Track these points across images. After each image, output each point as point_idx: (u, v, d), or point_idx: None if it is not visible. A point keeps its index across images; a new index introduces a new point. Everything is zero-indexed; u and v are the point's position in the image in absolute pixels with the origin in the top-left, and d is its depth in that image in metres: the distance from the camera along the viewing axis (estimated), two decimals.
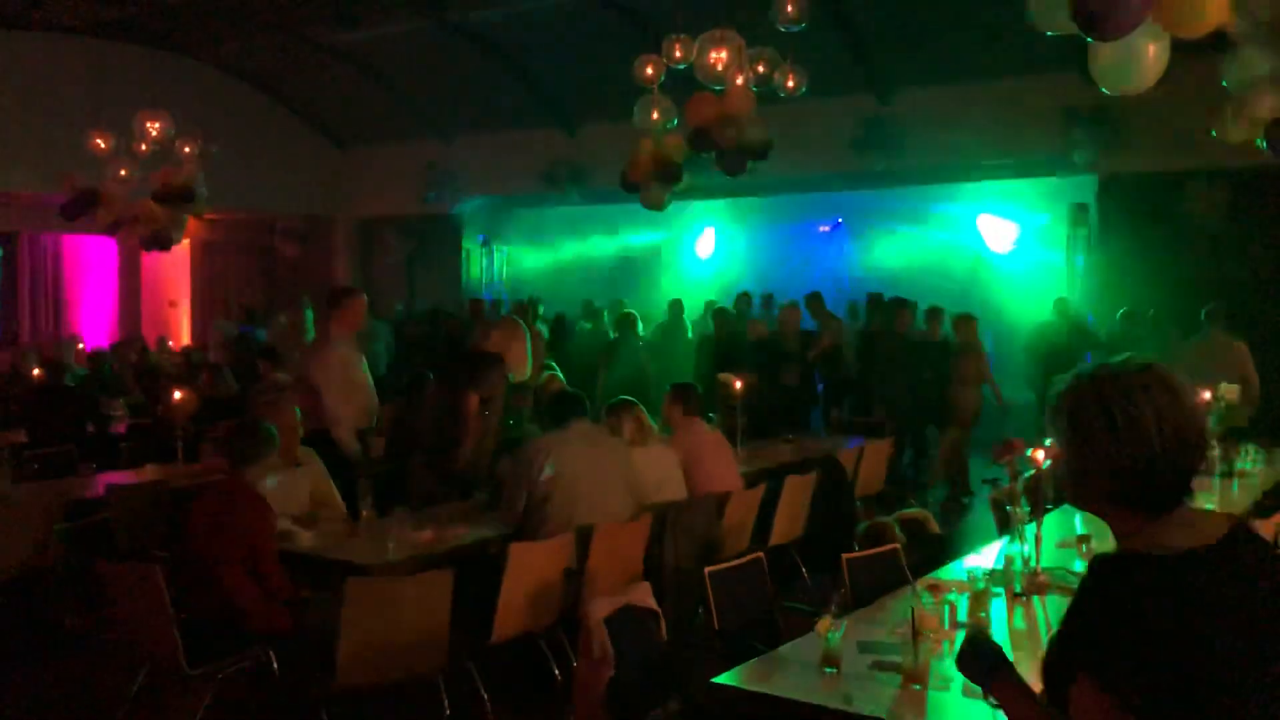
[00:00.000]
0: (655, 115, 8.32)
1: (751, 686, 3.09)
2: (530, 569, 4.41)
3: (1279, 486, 6.14)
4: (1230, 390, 6.76)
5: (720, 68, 7.89)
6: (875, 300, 10.85)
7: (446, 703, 4.15)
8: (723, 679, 3.14)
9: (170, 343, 14.82)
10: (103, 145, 10.75)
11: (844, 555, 4.12)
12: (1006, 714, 1.97)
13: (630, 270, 15.68)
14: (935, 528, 5.04)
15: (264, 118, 15.74)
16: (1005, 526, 4.56)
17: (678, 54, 8.02)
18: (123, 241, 13.54)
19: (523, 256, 16.73)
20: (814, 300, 10.61)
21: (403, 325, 13.45)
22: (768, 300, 12.50)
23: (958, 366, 8.97)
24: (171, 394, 6.93)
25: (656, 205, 8.82)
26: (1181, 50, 4.13)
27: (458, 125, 15.27)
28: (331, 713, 4.02)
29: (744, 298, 11.88)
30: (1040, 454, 4.35)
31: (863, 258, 14.24)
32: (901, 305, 9.57)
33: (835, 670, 3.12)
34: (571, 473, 4.78)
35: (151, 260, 15.78)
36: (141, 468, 6.53)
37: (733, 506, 5.47)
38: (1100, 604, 1.73)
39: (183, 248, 15.33)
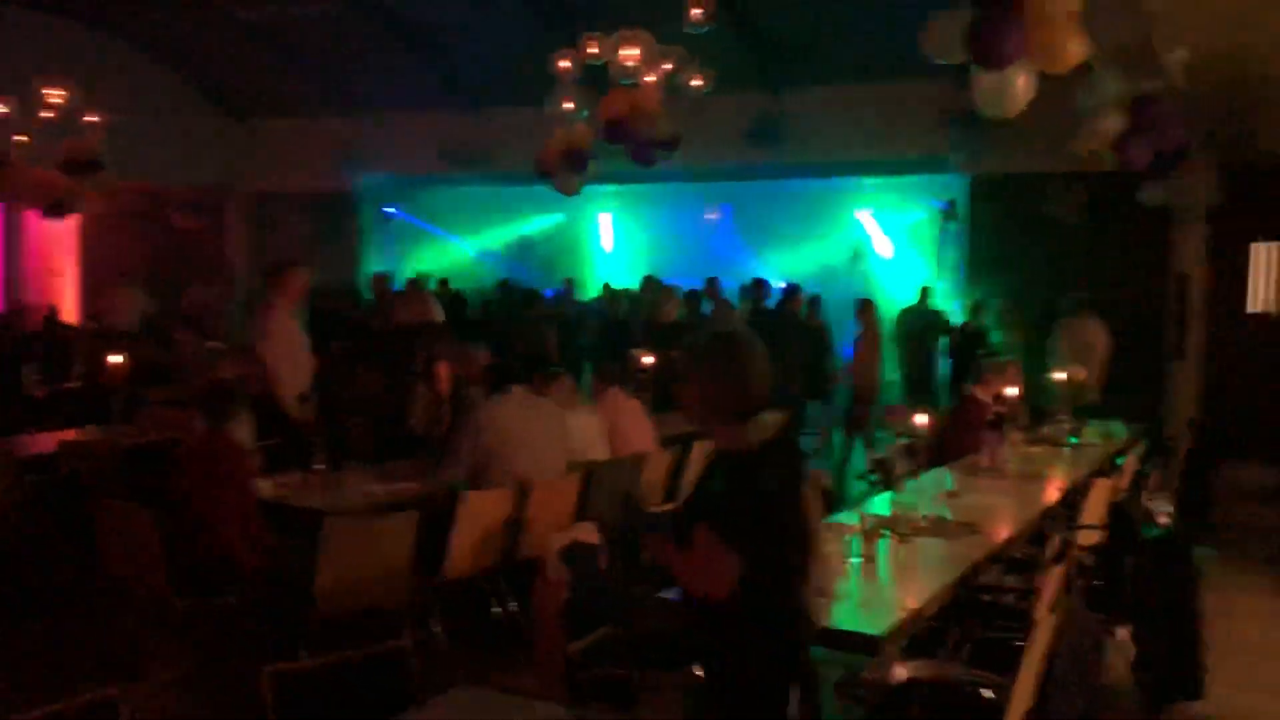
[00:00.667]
0: (568, 106, 8.87)
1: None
2: (478, 516, 4.97)
3: (1114, 456, 7.06)
4: (1078, 371, 7.69)
5: (632, 65, 8.49)
6: (759, 285, 11.60)
7: (407, 634, 4.68)
8: (664, 594, 3.76)
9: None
10: (3, 109, 10.72)
11: None
12: (656, 556, 2.97)
13: (530, 251, 16.20)
14: (828, 483, 5.77)
15: (161, 88, 15.66)
16: (889, 482, 5.32)
17: (593, 50, 8.58)
18: (13, 209, 13.41)
19: (423, 235, 17.05)
20: (711, 285, 11.33)
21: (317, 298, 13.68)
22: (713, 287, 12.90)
23: (860, 346, 9.82)
24: (107, 359, 7.21)
25: (570, 191, 9.38)
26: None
27: (363, 103, 15.48)
28: (309, 646, 4.50)
29: (649, 281, 12.49)
30: (920, 419, 5.10)
31: (754, 245, 15.05)
32: (794, 291, 10.36)
33: None
34: (512, 433, 5.34)
35: (36, 228, 15.56)
36: (83, 428, 6.80)
37: (650, 466, 6.11)
38: (713, 479, 2.87)
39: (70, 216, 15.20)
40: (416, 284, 12.43)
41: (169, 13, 13.49)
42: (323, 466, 5.38)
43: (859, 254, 14.57)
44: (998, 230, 12.31)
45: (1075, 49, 4.13)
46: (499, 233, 16.60)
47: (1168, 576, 4.60)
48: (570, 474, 5.58)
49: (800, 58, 12.50)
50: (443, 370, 6.01)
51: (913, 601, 3.89)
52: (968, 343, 10.37)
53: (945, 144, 12.11)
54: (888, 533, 4.62)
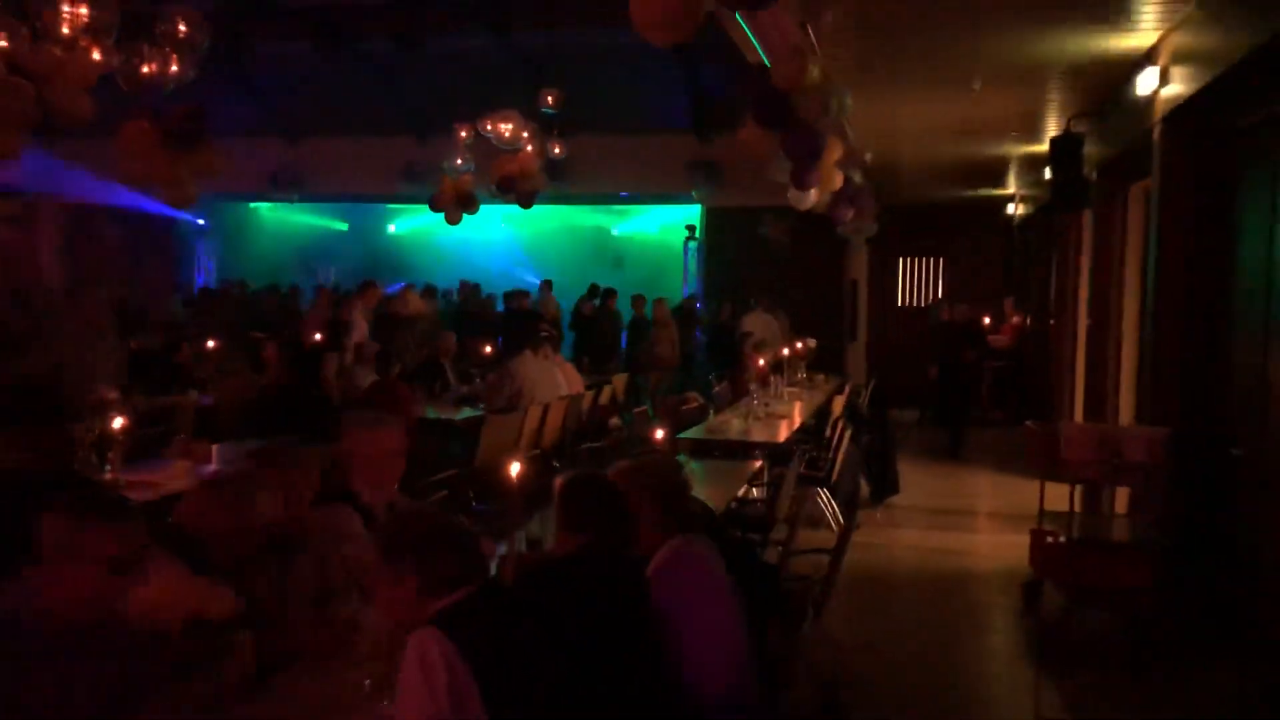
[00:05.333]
0: (459, 162, 12.46)
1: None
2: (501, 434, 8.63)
3: (833, 390, 11.66)
4: (810, 341, 12.31)
5: (509, 135, 12.19)
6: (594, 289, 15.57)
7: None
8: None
9: None
10: None
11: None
12: None
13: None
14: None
15: None
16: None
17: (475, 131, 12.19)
18: None
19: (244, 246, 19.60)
20: (545, 286, 15.25)
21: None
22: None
23: (657, 333, 14.00)
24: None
25: (454, 221, 12.93)
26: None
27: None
28: None
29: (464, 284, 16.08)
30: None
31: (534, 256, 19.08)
32: (611, 292, 14.47)
33: None
34: (531, 378, 9.05)
35: None
36: None
37: (585, 402, 9.98)
38: None
39: None
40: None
41: None
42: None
43: (619, 261, 18.97)
44: (726, 248, 16.97)
45: (828, 183, 8.38)
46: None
47: (879, 431, 9.21)
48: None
49: (588, 113, 16.56)
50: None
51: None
52: (718, 330, 14.79)
53: (688, 184, 16.63)
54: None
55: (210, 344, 9.77)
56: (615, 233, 19.88)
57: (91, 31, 5.73)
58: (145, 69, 6.11)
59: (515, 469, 3.36)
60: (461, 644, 2.13)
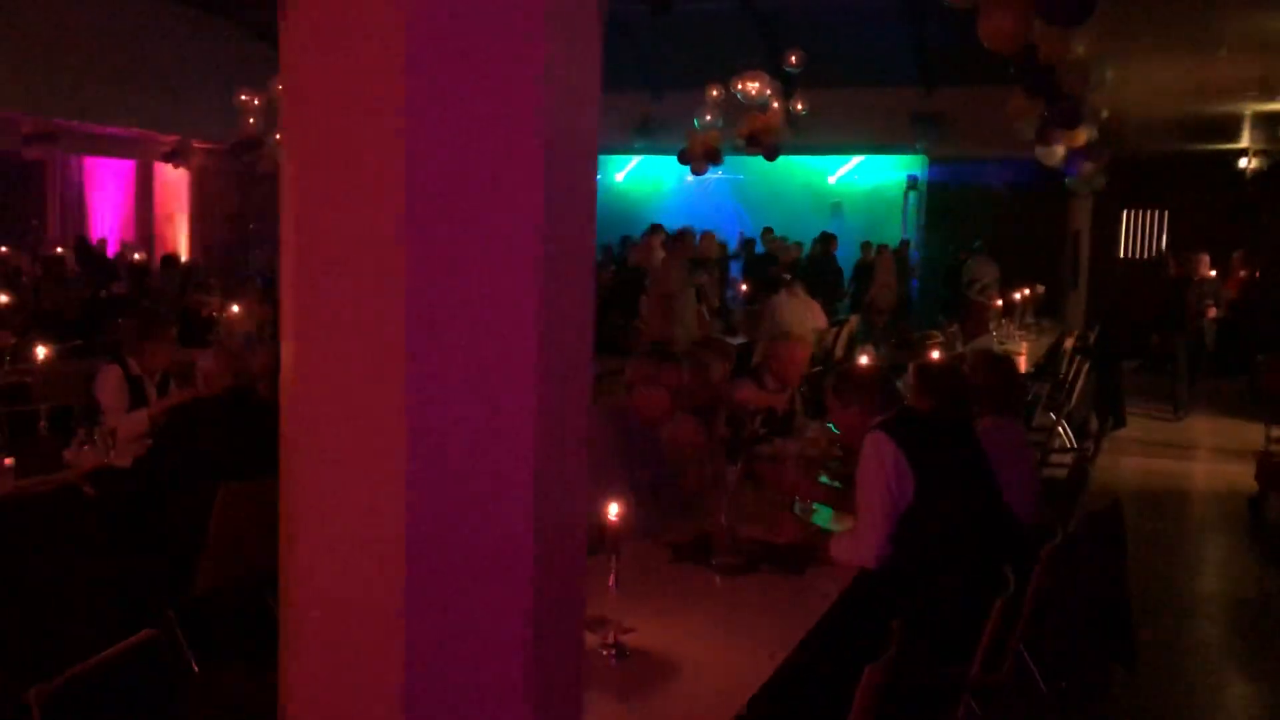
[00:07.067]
0: (709, 118, 13.70)
1: None
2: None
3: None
4: (1039, 287, 13.08)
5: (756, 93, 13.34)
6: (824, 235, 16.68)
7: None
8: None
9: None
10: None
11: None
12: None
13: None
14: None
15: None
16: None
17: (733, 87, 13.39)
18: None
19: None
20: (766, 233, 16.44)
21: None
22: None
23: (881, 277, 15.02)
24: None
25: (699, 172, 14.23)
26: None
27: None
28: None
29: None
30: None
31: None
32: (832, 237, 15.56)
33: None
34: (792, 312, 10.28)
35: None
36: None
37: (829, 338, 11.16)
38: None
39: None
40: None
41: None
42: None
43: (838, 208, 19.91)
44: (948, 198, 17.69)
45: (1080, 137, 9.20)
46: None
47: (1106, 370, 10.09)
48: None
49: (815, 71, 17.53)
50: None
51: None
52: (948, 274, 15.62)
53: (913, 135, 17.39)
54: None
55: None
56: (831, 181, 20.70)
57: None
58: None
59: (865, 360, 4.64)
60: (899, 440, 3.41)
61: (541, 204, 1.28)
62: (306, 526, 1.39)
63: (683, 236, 11.04)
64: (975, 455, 3.63)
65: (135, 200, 20.47)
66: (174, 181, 20.21)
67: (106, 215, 20.36)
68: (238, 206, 20.82)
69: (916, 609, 3.09)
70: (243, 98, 14.49)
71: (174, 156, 18.42)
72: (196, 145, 18.26)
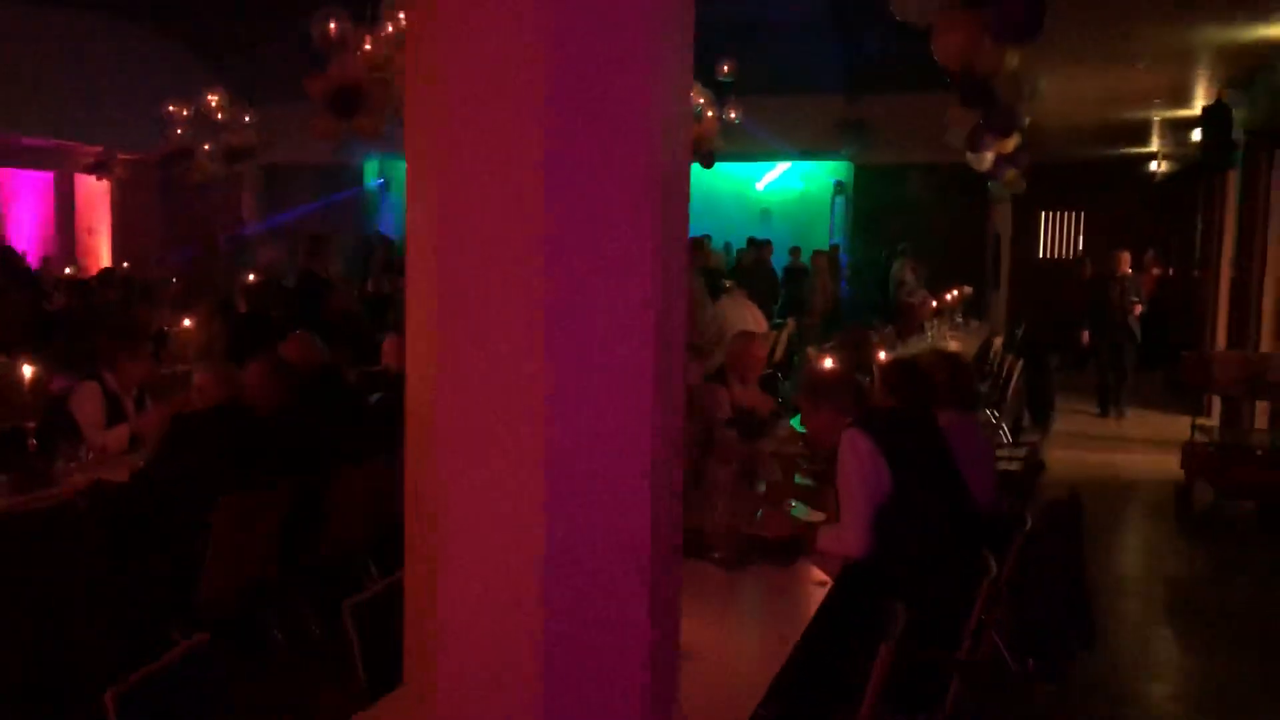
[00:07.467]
0: None
1: None
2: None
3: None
4: (966, 289, 13.52)
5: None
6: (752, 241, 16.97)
7: None
8: None
9: None
10: None
11: None
12: None
13: None
14: None
15: None
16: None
17: None
18: None
19: None
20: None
21: None
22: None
23: (814, 281, 15.37)
24: None
25: None
26: None
27: None
28: None
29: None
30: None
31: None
32: (766, 243, 15.87)
33: None
34: (733, 314, 10.54)
35: None
36: None
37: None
38: None
39: None
40: None
41: None
42: None
43: (767, 213, 20.27)
44: (874, 203, 18.17)
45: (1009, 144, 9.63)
46: None
47: (1034, 367, 10.51)
48: None
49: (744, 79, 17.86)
50: None
51: None
52: (878, 278, 16.06)
53: (839, 142, 17.83)
54: None
55: None
56: (759, 188, 21.10)
57: None
58: None
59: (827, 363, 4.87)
60: (874, 436, 3.63)
61: (661, 229, 1.46)
62: (449, 525, 1.55)
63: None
64: (943, 448, 3.88)
65: (55, 213, 20.02)
66: (95, 194, 19.80)
67: (24, 228, 19.87)
68: (161, 219, 20.51)
69: (902, 594, 3.31)
70: (170, 109, 14.30)
71: (98, 168, 18.07)
72: (121, 157, 17.95)
